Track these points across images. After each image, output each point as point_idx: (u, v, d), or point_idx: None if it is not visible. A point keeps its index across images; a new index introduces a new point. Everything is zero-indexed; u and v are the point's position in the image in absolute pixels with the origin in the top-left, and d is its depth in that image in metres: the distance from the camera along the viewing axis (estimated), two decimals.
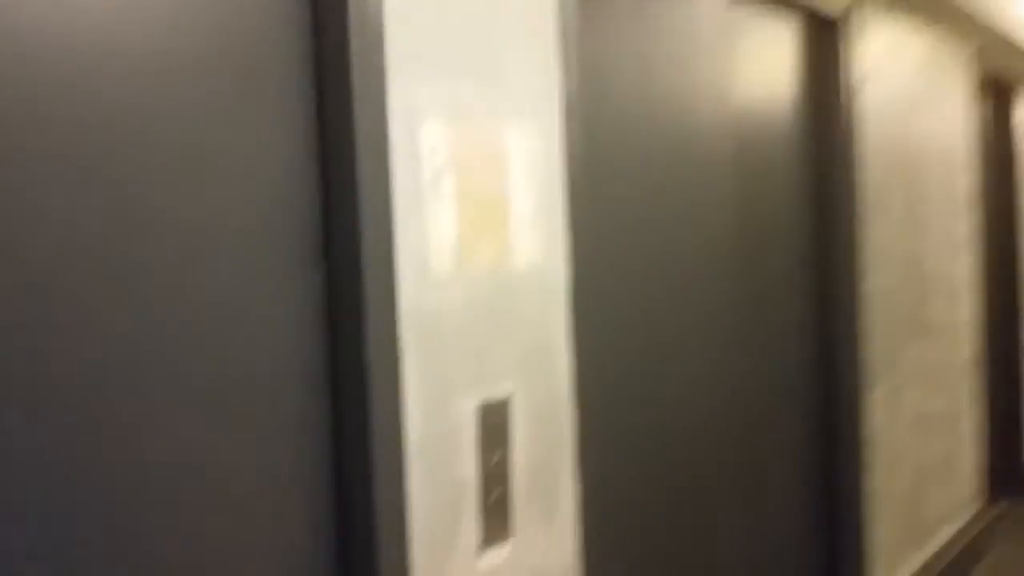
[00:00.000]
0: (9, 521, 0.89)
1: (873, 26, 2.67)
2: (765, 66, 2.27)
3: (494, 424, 1.38)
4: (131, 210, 1.00)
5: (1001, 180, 4.21)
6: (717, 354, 2.04)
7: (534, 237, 1.47)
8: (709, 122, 2.03)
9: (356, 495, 1.21)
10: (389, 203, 1.21)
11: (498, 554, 1.40)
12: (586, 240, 1.56)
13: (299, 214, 1.18)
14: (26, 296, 0.91)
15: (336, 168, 1.20)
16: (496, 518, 1.40)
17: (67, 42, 0.94)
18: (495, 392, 1.39)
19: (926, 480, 3.06)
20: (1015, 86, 4.16)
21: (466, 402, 1.34)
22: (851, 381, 2.48)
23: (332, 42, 1.18)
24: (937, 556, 3.11)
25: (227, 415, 1.10)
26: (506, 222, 1.41)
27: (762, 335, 2.21)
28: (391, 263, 1.22)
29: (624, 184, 1.77)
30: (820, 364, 2.47)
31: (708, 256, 2.01)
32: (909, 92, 2.94)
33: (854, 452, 2.50)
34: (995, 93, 4.13)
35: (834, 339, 2.47)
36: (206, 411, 1.07)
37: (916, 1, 2.97)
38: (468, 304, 1.36)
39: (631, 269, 1.79)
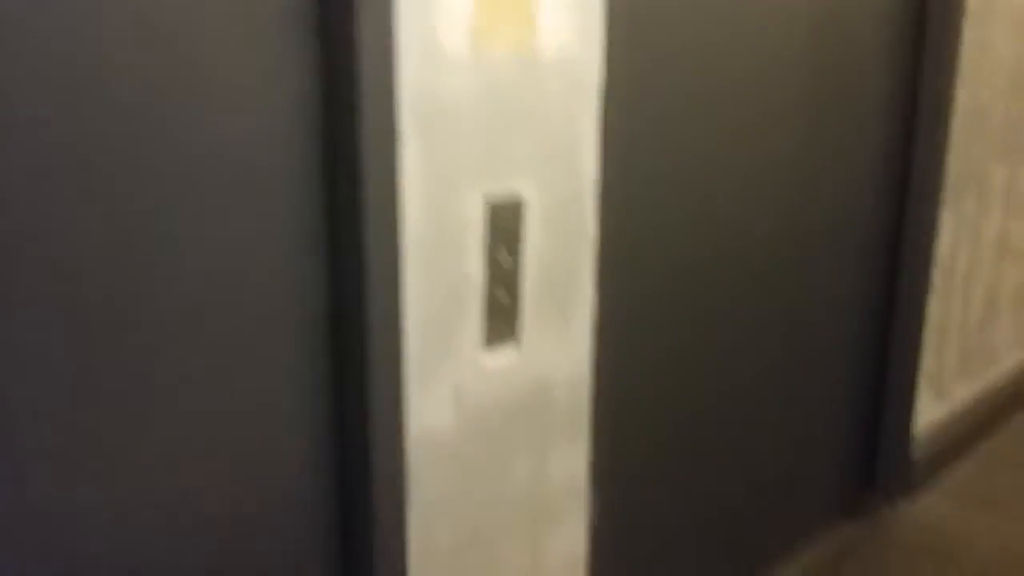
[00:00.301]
0: None
1: None
2: None
3: (505, 222, 1.30)
4: None
5: None
6: (775, 160, 1.88)
7: (566, 18, 1.32)
8: None
9: (348, 279, 1.16)
10: None
11: (504, 355, 1.36)
12: (627, 25, 1.40)
13: None
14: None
15: None
16: (503, 319, 1.34)
17: None
18: (508, 189, 1.30)
19: (996, 308, 2.90)
20: None
21: (474, 198, 1.25)
22: (926, 198, 2.30)
23: None
24: (996, 388, 3.00)
25: (219, 199, 1.04)
26: None
27: (830, 137, 2.04)
28: (389, 37, 1.10)
29: None
30: (893, 175, 2.28)
31: (776, 47, 1.82)
32: None
33: (920, 273, 2.35)
34: None
35: (913, 149, 2.27)
36: (198, 185, 1.02)
37: None
38: (484, 91, 1.24)
39: (678, 61, 1.62)
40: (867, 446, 2.48)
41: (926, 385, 2.57)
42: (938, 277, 2.48)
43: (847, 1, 1.97)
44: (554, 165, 1.36)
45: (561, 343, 1.44)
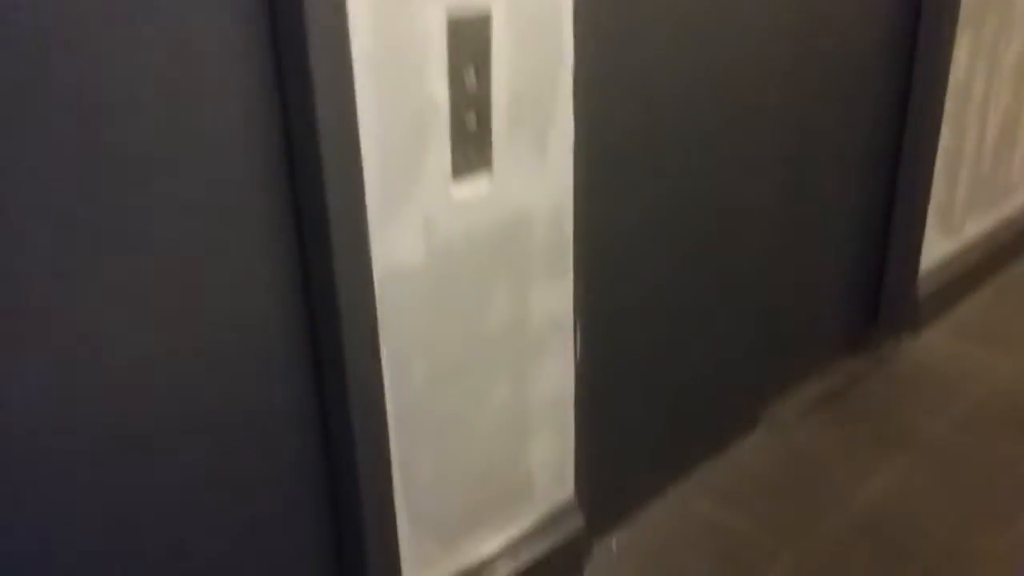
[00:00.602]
0: None
1: None
2: None
3: (471, 40, 1.20)
4: None
5: None
6: None
7: None
8: None
9: (297, 102, 1.08)
10: None
11: (476, 186, 1.28)
12: None
13: None
14: None
15: None
16: (473, 147, 1.26)
17: None
18: (474, 1, 1.19)
19: (1012, 139, 2.78)
20: None
21: (435, 11, 1.15)
22: (942, 16, 2.15)
23: None
24: (1009, 223, 2.91)
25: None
26: None
27: None
28: None
29: None
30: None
31: None
32: None
33: (931, 100, 2.23)
34: None
35: None
36: None
37: None
38: None
39: None
40: (872, 281, 2.43)
41: (935, 219, 2.49)
42: (952, 103, 2.35)
43: None
44: None
45: (539, 174, 1.37)
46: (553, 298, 1.47)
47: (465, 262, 1.31)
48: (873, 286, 2.43)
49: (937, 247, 2.56)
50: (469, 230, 1.30)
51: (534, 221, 1.39)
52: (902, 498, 1.91)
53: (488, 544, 1.53)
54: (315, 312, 1.20)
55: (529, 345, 1.46)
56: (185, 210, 1.05)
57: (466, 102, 1.22)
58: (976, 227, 2.74)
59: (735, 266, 1.89)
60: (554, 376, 1.52)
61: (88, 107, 0.94)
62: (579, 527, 1.66)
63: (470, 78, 1.22)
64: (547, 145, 1.36)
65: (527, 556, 1.57)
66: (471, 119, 1.24)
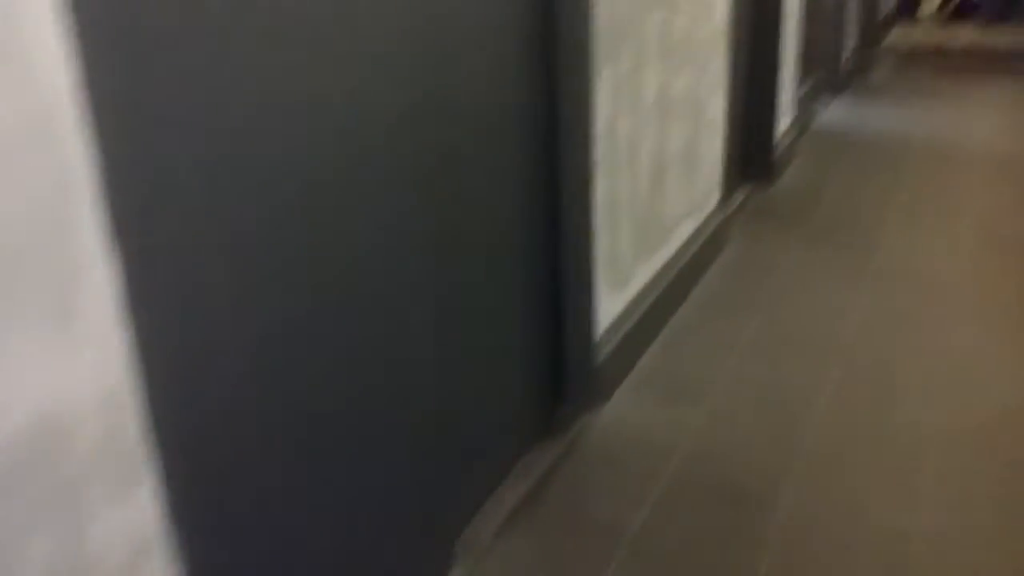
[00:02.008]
0: None
1: None
2: None
3: None
4: None
5: None
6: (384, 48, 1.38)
7: None
8: None
9: None
10: None
11: None
12: None
13: None
14: None
15: None
16: None
17: None
18: None
19: (664, 173, 2.66)
20: None
21: None
22: (577, 61, 1.91)
23: None
24: (672, 264, 2.80)
25: None
26: None
27: (453, 11, 1.56)
28: None
29: None
30: (538, 40, 1.87)
31: None
32: None
33: (579, 152, 1.99)
34: None
35: (554, 9, 1.87)
36: None
37: None
38: None
39: None
40: (551, 358, 2.14)
41: (605, 275, 2.27)
42: (602, 148, 2.14)
43: None
44: None
45: (66, 354, 0.88)
46: (126, 522, 0.98)
47: None
48: (553, 364, 2.15)
49: (611, 305, 2.35)
50: None
51: (71, 424, 0.90)
52: None
53: None
54: None
55: None
56: None
57: None
58: (644, 274, 2.58)
59: (386, 389, 1.49)
60: None
61: None
62: None
63: None
64: (73, 309, 0.88)
65: None
66: None
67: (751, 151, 4.05)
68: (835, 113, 5.53)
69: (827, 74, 5.81)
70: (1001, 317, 2.75)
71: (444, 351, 1.66)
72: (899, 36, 8.61)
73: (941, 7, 9.57)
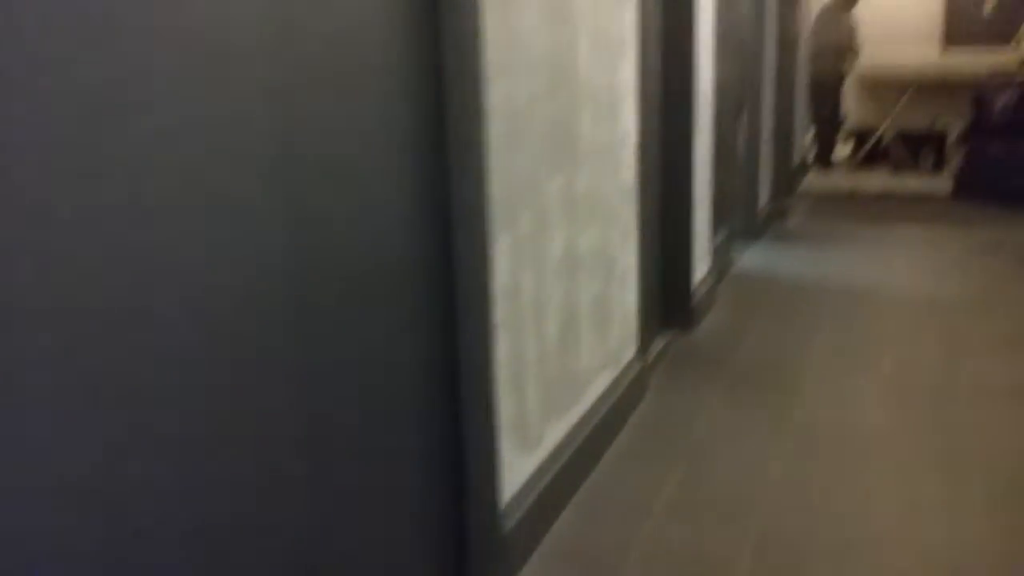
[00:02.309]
0: None
1: None
2: None
3: None
4: None
5: None
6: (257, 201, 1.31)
7: None
8: None
9: None
10: None
11: None
12: None
13: None
14: None
15: None
16: None
17: None
18: None
19: (575, 332, 2.60)
20: None
21: None
22: (472, 226, 1.87)
23: None
24: (585, 423, 2.71)
25: None
26: None
27: (334, 200, 1.51)
28: None
29: None
30: (430, 205, 1.82)
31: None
32: None
33: (476, 315, 1.92)
34: None
35: (447, 169, 1.83)
36: None
37: None
38: None
39: None
40: (453, 531, 2.01)
41: (511, 438, 2.17)
42: (503, 310, 2.07)
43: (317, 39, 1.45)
44: None
45: None
46: None
47: None
48: (455, 537, 2.02)
49: (518, 468, 2.24)
50: None
51: None
52: None
53: None
54: None
55: None
56: None
57: None
58: (556, 433, 2.49)
59: None
60: None
61: None
62: None
63: None
64: None
65: None
66: None
67: (669, 299, 4.05)
68: (753, 258, 5.62)
69: (743, 220, 5.94)
70: (926, 472, 2.70)
71: (330, 538, 1.53)
72: (813, 182, 8.93)
73: (853, 154, 10.01)
